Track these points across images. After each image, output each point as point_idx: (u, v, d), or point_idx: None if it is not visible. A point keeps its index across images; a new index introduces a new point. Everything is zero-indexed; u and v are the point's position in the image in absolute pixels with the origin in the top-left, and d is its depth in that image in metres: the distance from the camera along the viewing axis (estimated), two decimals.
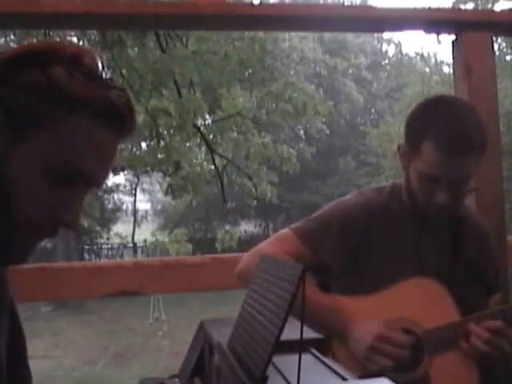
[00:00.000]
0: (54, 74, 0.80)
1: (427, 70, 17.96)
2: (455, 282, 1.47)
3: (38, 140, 0.80)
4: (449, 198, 1.43)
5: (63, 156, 0.81)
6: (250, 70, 9.98)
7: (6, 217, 0.81)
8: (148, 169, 9.10)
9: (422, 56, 18.61)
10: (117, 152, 0.87)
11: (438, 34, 2.00)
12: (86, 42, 7.78)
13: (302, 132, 22.61)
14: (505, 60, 12.58)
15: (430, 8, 1.91)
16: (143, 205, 27.80)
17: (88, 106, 0.81)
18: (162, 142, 8.39)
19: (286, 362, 0.85)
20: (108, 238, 20.71)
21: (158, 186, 22.52)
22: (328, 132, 17.04)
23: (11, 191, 0.81)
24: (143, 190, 25.67)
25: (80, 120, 0.81)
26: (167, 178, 9.35)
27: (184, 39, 7.96)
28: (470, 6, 12.91)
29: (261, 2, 1.82)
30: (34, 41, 7.41)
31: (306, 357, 0.94)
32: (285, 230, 1.59)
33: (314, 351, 0.97)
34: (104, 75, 0.84)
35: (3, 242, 0.83)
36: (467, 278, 1.51)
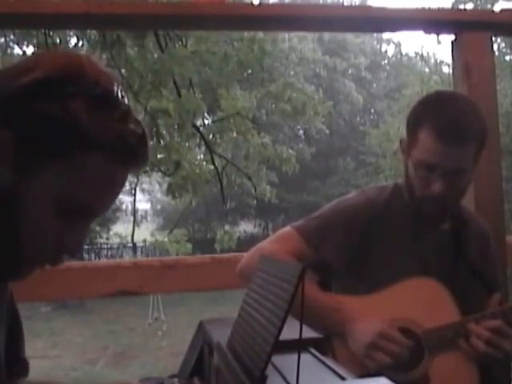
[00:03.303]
0: (71, 109, 0.78)
1: (427, 70, 17.90)
2: (456, 282, 1.47)
3: (49, 174, 0.80)
4: (444, 188, 1.43)
5: (74, 192, 0.81)
6: (250, 71, 9.97)
7: (12, 244, 0.82)
8: (148, 169, 9.08)
9: (421, 56, 18.54)
10: (126, 181, 0.88)
11: (437, 34, 2.00)
12: (85, 42, 7.78)
13: (301, 132, 22.62)
14: (504, 60, 12.55)
15: (429, 8, 1.91)
16: (143, 205, 27.82)
17: (103, 144, 0.80)
18: (161, 142, 8.38)
19: (286, 362, 0.85)
20: (107, 238, 20.67)
21: (157, 186, 22.51)
22: (327, 132, 17.05)
23: (19, 220, 0.81)
24: (143, 190, 25.64)
25: (94, 157, 0.80)
26: (167, 178, 9.33)
27: (183, 39, 7.95)
28: (469, 6, 12.91)
29: (261, 2, 1.81)
30: (35, 41, 7.41)
31: (305, 356, 0.94)
32: (287, 229, 1.59)
33: (313, 351, 0.97)
34: (123, 103, 0.84)
35: (7, 266, 0.84)
36: (468, 278, 1.51)
